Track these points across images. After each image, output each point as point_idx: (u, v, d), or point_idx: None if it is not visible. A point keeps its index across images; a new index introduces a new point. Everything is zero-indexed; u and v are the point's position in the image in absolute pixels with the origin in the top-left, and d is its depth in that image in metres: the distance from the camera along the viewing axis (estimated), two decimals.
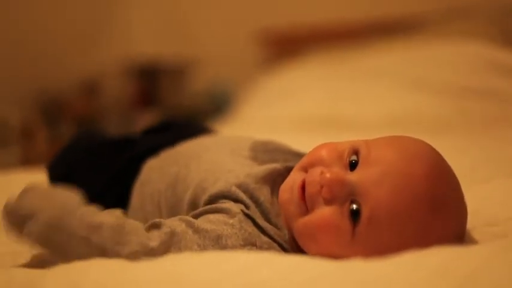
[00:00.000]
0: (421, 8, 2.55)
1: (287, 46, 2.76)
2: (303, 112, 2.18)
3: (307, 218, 0.73)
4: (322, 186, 0.72)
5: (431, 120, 2.00)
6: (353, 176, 0.72)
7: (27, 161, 2.45)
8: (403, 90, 2.13)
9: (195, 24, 3.09)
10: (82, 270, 0.65)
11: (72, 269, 0.66)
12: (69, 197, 0.79)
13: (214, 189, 0.82)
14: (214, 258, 0.67)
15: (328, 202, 0.72)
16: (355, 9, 2.74)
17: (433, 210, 0.70)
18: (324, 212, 0.72)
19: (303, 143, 1.01)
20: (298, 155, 0.92)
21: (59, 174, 1.12)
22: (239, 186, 0.81)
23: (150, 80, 2.99)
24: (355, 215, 0.70)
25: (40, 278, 0.66)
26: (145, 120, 2.83)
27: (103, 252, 0.72)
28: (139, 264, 0.66)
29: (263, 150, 0.93)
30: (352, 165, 0.73)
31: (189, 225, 0.76)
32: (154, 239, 0.74)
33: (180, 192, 0.89)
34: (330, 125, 2.03)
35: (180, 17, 3.12)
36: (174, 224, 0.77)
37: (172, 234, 0.75)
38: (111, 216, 0.76)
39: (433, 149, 0.76)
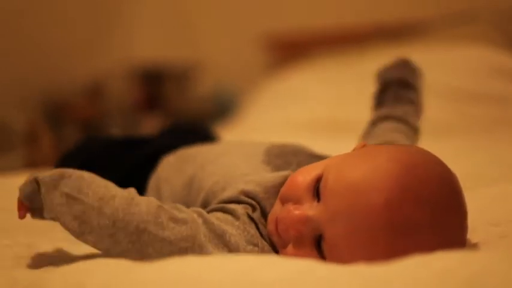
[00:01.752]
0: (425, 13, 2.55)
1: (291, 50, 2.77)
2: (307, 116, 2.19)
3: (284, 252, 0.77)
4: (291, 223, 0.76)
5: (433, 124, 1.99)
6: (315, 211, 0.74)
7: (32, 165, 2.45)
8: None
9: (200, 28, 3.09)
10: (87, 271, 0.65)
11: (76, 269, 0.67)
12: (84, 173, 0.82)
13: (223, 196, 0.84)
14: (220, 259, 0.68)
15: (297, 238, 0.75)
16: (359, 14, 2.74)
17: (399, 236, 0.69)
18: (293, 250, 0.76)
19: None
20: (314, 157, 0.93)
21: None
22: (248, 193, 0.83)
23: (155, 83, 2.99)
24: (319, 246, 0.74)
25: (44, 279, 0.66)
26: (149, 123, 2.84)
27: (114, 222, 0.75)
28: (144, 265, 0.66)
29: (277, 154, 0.94)
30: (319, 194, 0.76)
31: (200, 215, 0.79)
32: (165, 212, 0.77)
33: (194, 194, 0.93)
34: (334, 129, 2.03)
35: (184, 21, 3.13)
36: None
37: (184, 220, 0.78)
38: (124, 191, 0.79)
39: (403, 163, 0.72)
